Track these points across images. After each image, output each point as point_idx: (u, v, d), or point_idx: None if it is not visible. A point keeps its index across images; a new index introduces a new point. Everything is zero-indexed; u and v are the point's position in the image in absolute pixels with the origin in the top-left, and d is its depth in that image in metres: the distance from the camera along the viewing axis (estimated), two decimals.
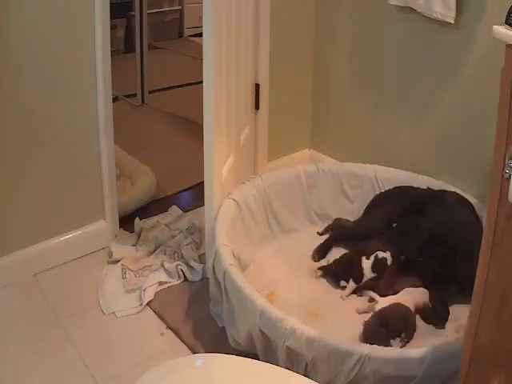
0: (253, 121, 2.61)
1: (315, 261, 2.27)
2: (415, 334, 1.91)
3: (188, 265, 2.25)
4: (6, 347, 1.91)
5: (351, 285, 2.09)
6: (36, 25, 1.98)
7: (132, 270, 2.24)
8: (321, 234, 2.41)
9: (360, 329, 1.91)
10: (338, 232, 2.37)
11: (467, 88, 2.20)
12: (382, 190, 2.44)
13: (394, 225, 2.23)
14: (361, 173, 2.48)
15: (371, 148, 2.62)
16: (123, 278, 2.20)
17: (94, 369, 1.84)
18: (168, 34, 5.03)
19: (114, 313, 2.07)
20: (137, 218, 2.51)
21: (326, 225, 2.45)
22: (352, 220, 2.45)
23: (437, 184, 2.34)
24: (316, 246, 2.31)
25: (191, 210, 2.65)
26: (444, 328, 1.93)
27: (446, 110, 2.31)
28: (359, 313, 2.00)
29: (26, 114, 2.05)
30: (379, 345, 1.67)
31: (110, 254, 2.33)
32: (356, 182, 2.49)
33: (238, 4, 2.16)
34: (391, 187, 2.40)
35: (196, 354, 1.83)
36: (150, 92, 3.80)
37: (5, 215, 2.11)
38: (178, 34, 5.15)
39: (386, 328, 1.85)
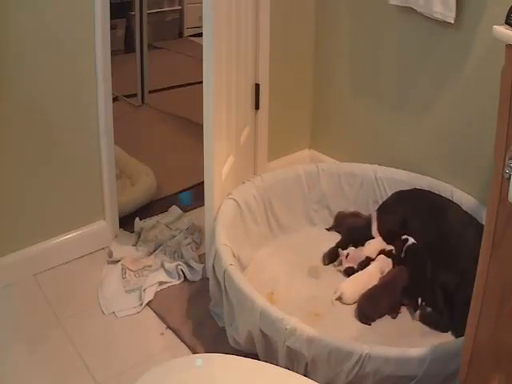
0: (253, 121, 2.61)
1: (325, 264, 2.26)
2: (415, 334, 1.92)
3: (188, 265, 2.25)
4: (5, 347, 1.91)
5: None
6: (36, 25, 1.98)
7: (132, 270, 2.24)
8: (329, 230, 2.44)
9: (359, 329, 1.92)
10: (348, 236, 2.34)
11: (467, 88, 2.20)
12: (382, 190, 2.44)
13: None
14: (361, 173, 2.48)
15: (371, 148, 2.62)
16: (123, 278, 2.20)
17: (94, 369, 1.84)
18: (168, 33, 5.02)
19: (114, 313, 2.08)
20: (137, 218, 2.51)
21: (327, 223, 2.47)
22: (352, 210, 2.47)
23: (437, 184, 2.34)
24: (326, 251, 2.29)
25: (191, 210, 2.65)
26: (447, 332, 1.93)
27: (445, 109, 2.31)
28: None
29: (26, 115, 2.05)
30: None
31: (110, 254, 2.33)
32: (356, 181, 2.48)
33: (238, 4, 2.16)
34: (393, 187, 2.41)
35: (196, 354, 1.83)
36: (149, 92, 3.80)
37: (5, 215, 2.11)
38: (178, 33, 5.14)
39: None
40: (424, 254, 2.10)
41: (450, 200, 2.25)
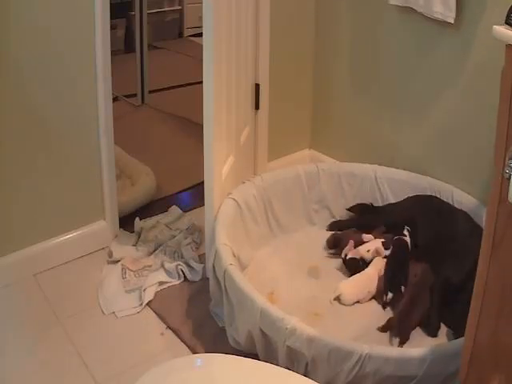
0: (253, 121, 2.61)
1: (330, 248, 2.31)
2: (416, 334, 1.91)
3: (188, 265, 2.25)
4: (6, 347, 1.91)
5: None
6: (36, 25, 1.98)
7: (132, 270, 2.24)
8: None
9: (359, 329, 1.92)
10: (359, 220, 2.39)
11: (467, 88, 2.20)
12: (382, 190, 2.44)
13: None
14: (361, 173, 2.48)
15: (371, 148, 2.62)
16: (123, 278, 2.20)
17: (94, 369, 1.84)
18: (168, 33, 5.02)
19: (114, 313, 2.07)
20: (137, 218, 2.51)
21: (327, 223, 2.46)
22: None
23: (437, 184, 2.34)
24: (329, 236, 2.34)
25: (191, 209, 2.65)
26: (436, 336, 1.89)
27: (445, 110, 2.31)
28: None
29: (26, 115, 2.05)
30: None
31: (110, 254, 2.33)
32: (356, 181, 2.48)
33: (238, 4, 2.16)
34: (393, 187, 2.42)
35: (196, 354, 1.83)
36: (149, 92, 3.79)
37: (5, 215, 2.11)
38: (178, 33, 5.14)
39: None
40: (406, 249, 2.15)
41: (461, 210, 2.23)
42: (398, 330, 1.88)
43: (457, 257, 2.02)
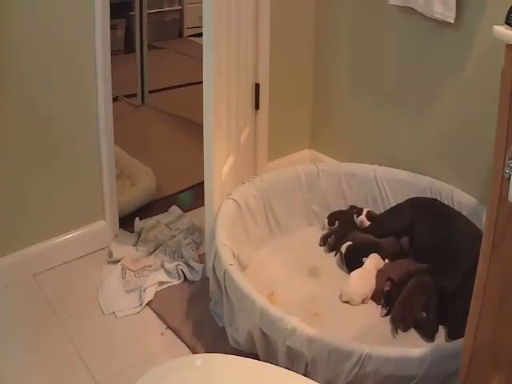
0: (253, 121, 2.61)
1: (321, 245, 2.35)
2: (416, 334, 1.92)
3: (188, 265, 2.25)
4: (6, 347, 1.91)
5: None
6: (36, 25, 1.98)
7: (132, 270, 2.24)
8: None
9: (359, 329, 1.92)
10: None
11: (467, 88, 2.20)
12: (382, 190, 2.44)
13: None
14: (360, 173, 2.48)
15: (371, 148, 2.62)
16: (123, 278, 2.20)
17: (94, 369, 1.84)
18: (168, 33, 5.03)
19: (114, 313, 2.08)
20: (137, 218, 2.51)
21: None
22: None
23: (437, 184, 2.34)
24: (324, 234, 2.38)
25: (191, 210, 2.65)
26: (433, 340, 1.89)
27: (445, 109, 2.31)
28: None
29: (25, 114, 2.05)
30: None
31: (110, 254, 2.33)
32: (356, 181, 2.49)
33: (238, 4, 2.16)
34: (393, 187, 2.42)
35: (196, 354, 1.83)
36: (150, 92, 3.80)
37: (5, 215, 2.11)
38: (178, 33, 5.15)
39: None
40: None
41: (460, 213, 2.22)
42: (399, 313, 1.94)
43: (455, 260, 2.02)
